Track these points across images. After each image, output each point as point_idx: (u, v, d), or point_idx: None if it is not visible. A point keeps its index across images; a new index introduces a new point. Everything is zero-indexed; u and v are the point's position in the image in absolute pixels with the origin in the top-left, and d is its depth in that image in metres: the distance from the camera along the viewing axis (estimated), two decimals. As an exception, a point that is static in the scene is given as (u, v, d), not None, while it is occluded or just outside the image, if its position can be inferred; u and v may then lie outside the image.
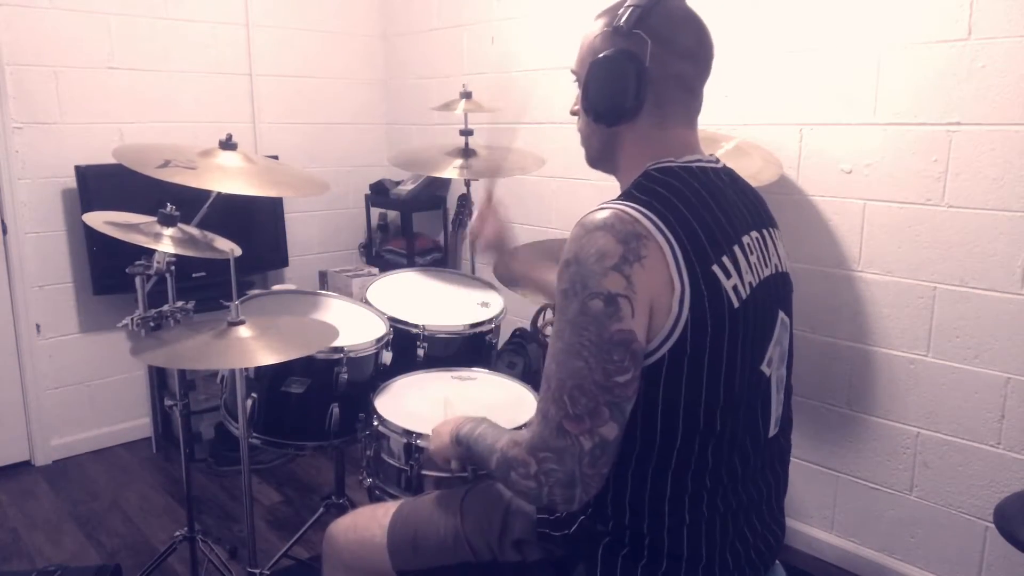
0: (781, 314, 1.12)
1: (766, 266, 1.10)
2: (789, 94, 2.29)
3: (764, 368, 1.08)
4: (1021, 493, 1.61)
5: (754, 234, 1.10)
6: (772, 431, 1.12)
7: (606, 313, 0.95)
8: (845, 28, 2.14)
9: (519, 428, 1.22)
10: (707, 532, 1.06)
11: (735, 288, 1.02)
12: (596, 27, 1.13)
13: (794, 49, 2.26)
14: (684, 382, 1.00)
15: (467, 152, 2.47)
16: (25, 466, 3.00)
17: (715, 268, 1.00)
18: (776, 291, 1.12)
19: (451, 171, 2.42)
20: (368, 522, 1.35)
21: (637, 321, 0.96)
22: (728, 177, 1.15)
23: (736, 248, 1.04)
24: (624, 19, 1.06)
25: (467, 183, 2.99)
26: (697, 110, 1.15)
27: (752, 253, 1.07)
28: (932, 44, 1.99)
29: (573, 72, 1.17)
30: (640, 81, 1.06)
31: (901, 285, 2.13)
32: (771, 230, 1.17)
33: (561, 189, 3.03)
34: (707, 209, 1.04)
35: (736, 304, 1.01)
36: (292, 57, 3.47)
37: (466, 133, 2.51)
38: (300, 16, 3.47)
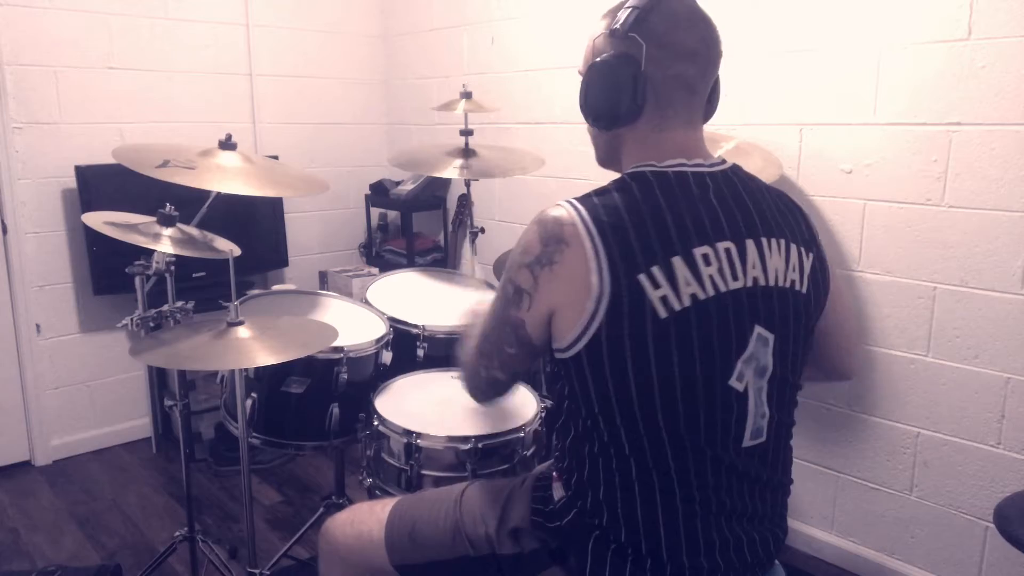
0: (759, 329, 1.07)
1: (735, 279, 1.05)
2: (789, 94, 2.29)
3: (734, 383, 1.06)
4: (1021, 493, 1.61)
5: (723, 245, 1.05)
6: (748, 442, 1.09)
7: (511, 299, 1.10)
8: (845, 28, 2.14)
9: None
10: (687, 537, 1.07)
11: (664, 299, 1.00)
12: (598, 28, 1.13)
13: (794, 49, 2.26)
14: (611, 387, 1.04)
15: (467, 152, 2.47)
16: (25, 466, 3.00)
17: (641, 276, 1.00)
18: (753, 305, 1.07)
19: (451, 171, 2.41)
20: (366, 517, 1.35)
21: (531, 315, 1.08)
22: (720, 182, 1.10)
23: (677, 259, 1.02)
24: (621, 22, 1.06)
25: (467, 183, 2.99)
26: (700, 109, 1.13)
27: (710, 265, 1.03)
28: (932, 44, 1.99)
29: (580, 74, 1.17)
30: (636, 85, 1.06)
31: (901, 285, 2.13)
32: (771, 240, 1.10)
33: (561, 189, 3.03)
34: (654, 217, 1.03)
35: (663, 314, 1.00)
36: (292, 57, 3.47)
37: (466, 133, 2.51)
38: (300, 16, 3.47)
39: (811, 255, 1.15)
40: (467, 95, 2.58)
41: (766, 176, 2.18)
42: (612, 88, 1.08)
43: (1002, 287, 1.96)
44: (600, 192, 1.09)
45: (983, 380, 2.02)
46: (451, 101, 2.62)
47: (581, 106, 1.14)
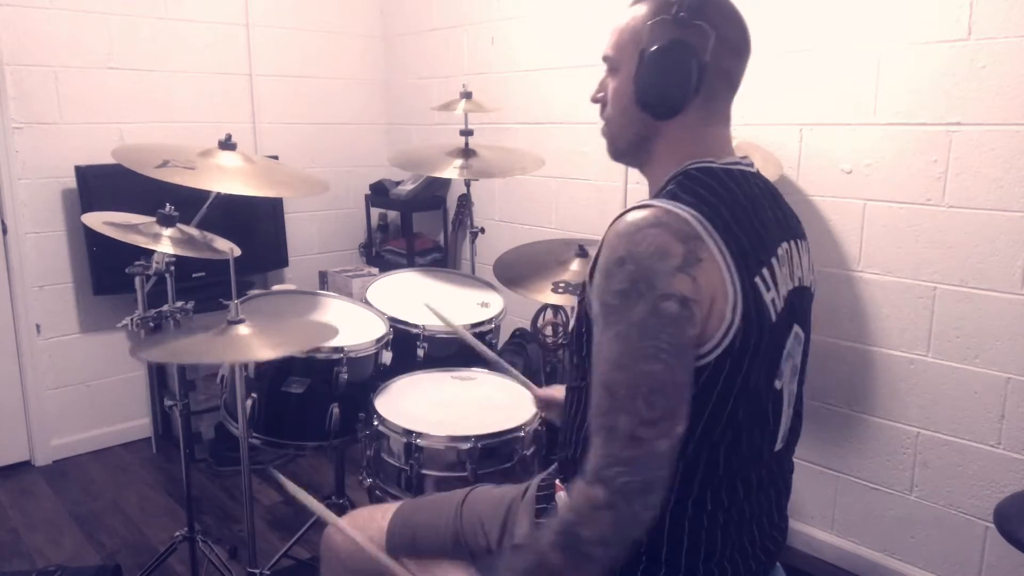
0: (796, 328, 1.09)
1: (792, 279, 1.07)
2: (789, 94, 2.29)
3: (777, 383, 1.05)
4: (1021, 493, 1.61)
5: (785, 245, 1.07)
6: (778, 445, 1.10)
7: (683, 316, 0.90)
8: (845, 28, 2.14)
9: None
10: (707, 542, 1.05)
11: (773, 301, 0.99)
12: (639, 12, 1.07)
13: (794, 49, 2.26)
14: (716, 394, 0.97)
15: (467, 152, 2.47)
16: (25, 466, 3.00)
17: (757, 279, 0.97)
18: (795, 305, 1.08)
19: (451, 171, 2.41)
20: (367, 524, 1.34)
21: (701, 326, 0.93)
22: (762, 182, 1.11)
23: (773, 260, 1.02)
24: (686, 8, 1.01)
25: (467, 183, 2.99)
26: (730, 106, 1.12)
27: (784, 266, 1.04)
28: (932, 44, 1.99)
29: (606, 59, 1.12)
30: (701, 74, 1.02)
31: (901, 285, 2.13)
32: (799, 241, 1.13)
33: (561, 189, 3.03)
34: (747, 216, 1.01)
35: (774, 318, 0.99)
36: (292, 57, 3.47)
37: (466, 133, 2.51)
38: (300, 16, 3.47)
39: (809, 257, 1.19)
40: (467, 95, 2.58)
41: (766, 176, 2.18)
42: (677, 76, 1.02)
43: (1002, 287, 1.96)
44: (683, 189, 1.01)
45: (983, 380, 2.02)
46: (451, 101, 2.62)
47: (637, 92, 1.06)
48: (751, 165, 1.10)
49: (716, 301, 0.93)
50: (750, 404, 1.01)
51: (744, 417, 1.01)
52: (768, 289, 0.98)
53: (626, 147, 1.14)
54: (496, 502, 1.27)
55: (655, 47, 1.02)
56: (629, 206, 1.00)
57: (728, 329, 0.93)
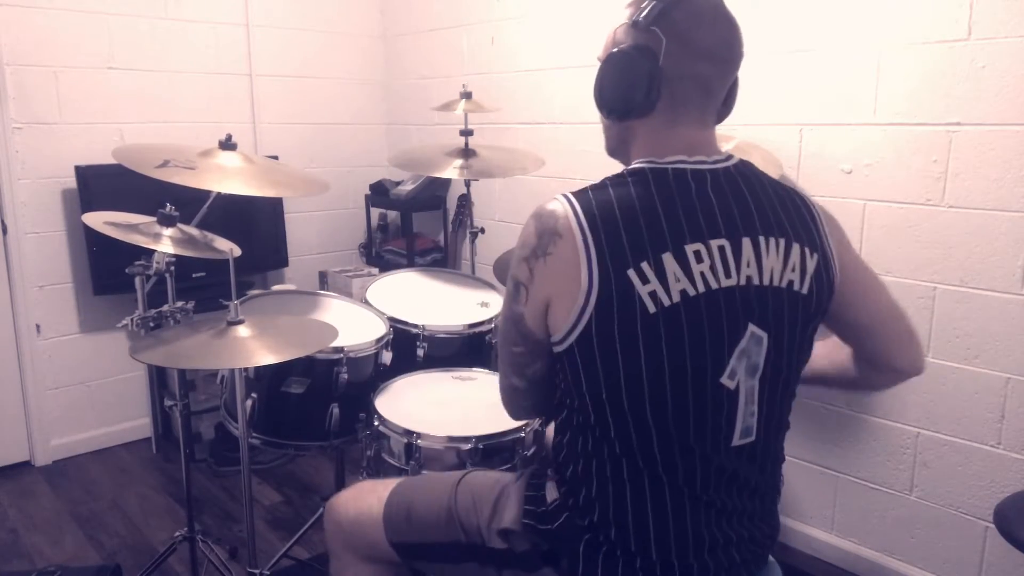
0: (752, 327, 1.06)
1: (728, 276, 1.05)
2: (789, 94, 2.29)
3: (726, 381, 1.06)
4: (1021, 493, 1.61)
5: (717, 242, 1.05)
6: (737, 441, 1.09)
7: (512, 295, 1.12)
8: (845, 28, 2.15)
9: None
10: (677, 534, 1.08)
11: (652, 294, 1.02)
12: (622, 18, 1.11)
13: (794, 49, 2.26)
14: (601, 381, 1.06)
15: (467, 152, 2.47)
16: (25, 466, 3.00)
17: (630, 272, 1.02)
18: (747, 303, 1.06)
19: (451, 171, 2.41)
20: (367, 495, 1.39)
21: (528, 308, 1.10)
22: (720, 179, 1.09)
23: (667, 255, 1.02)
24: (644, 14, 1.05)
25: (467, 183, 2.99)
26: (714, 109, 1.13)
27: (702, 262, 1.04)
28: (932, 44, 1.99)
29: (599, 61, 1.16)
30: (652, 79, 1.05)
31: (901, 285, 2.13)
32: (767, 239, 1.08)
33: (561, 189, 3.03)
34: (647, 213, 1.04)
35: (652, 309, 1.01)
36: (292, 57, 3.47)
37: (466, 133, 2.51)
38: (300, 16, 3.47)
39: (816, 255, 1.12)
40: (467, 95, 2.58)
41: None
42: (627, 80, 1.07)
43: (1002, 287, 1.96)
44: (596, 187, 1.11)
45: (983, 380, 2.02)
46: (451, 101, 2.62)
47: (595, 95, 1.14)
48: (719, 161, 1.11)
49: (561, 290, 1.05)
50: (664, 395, 1.04)
51: (667, 404, 1.05)
52: (645, 282, 1.02)
53: (613, 146, 1.21)
54: (491, 484, 1.29)
55: (610, 51, 1.10)
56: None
57: (580, 313, 1.03)
